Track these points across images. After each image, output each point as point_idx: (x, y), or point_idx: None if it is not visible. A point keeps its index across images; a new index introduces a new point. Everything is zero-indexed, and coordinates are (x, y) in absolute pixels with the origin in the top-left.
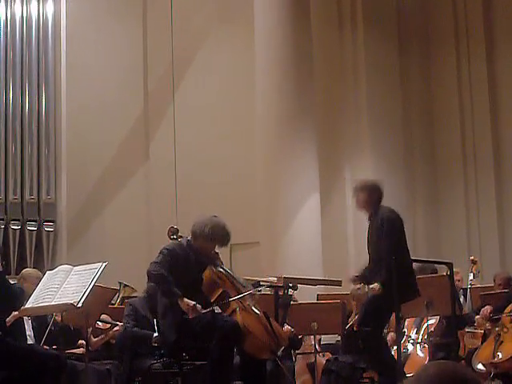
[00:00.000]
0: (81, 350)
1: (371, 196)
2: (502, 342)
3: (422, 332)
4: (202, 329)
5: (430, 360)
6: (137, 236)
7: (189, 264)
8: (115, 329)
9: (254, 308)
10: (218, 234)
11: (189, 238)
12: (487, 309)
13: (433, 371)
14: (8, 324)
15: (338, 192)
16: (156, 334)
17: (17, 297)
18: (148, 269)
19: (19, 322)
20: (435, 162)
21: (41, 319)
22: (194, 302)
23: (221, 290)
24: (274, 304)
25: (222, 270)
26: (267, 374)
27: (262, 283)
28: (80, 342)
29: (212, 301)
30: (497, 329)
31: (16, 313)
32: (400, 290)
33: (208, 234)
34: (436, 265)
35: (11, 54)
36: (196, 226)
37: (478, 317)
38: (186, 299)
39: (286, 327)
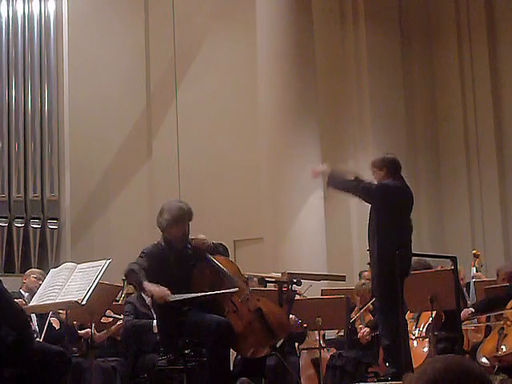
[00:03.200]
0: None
1: (388, 172)
2: (505, 335)
3: (421, 327)
4: (195, 328)
5: (430, 353)
6: (140, 233)
7: (168, 262)
8: (118, 323)
9: (245, 306)
10: (178, 213)
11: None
12: (467, 311)
13: (439, 365)
14: None
15: None
16: (156, 321)
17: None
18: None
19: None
20: (438, 157)
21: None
22: (157, 289)
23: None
24: (278, 300)
25: (212, 265)
26: (271, 370)
27: (266, 279)
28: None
29: (205, 302)
30: (501, 322)
31: None
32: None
33: (171, 219)
34: (440, 259)
35: (13, 52)
36: (157, 222)
37: (465, 310)
38: (147, 284)
39: (292, 317)
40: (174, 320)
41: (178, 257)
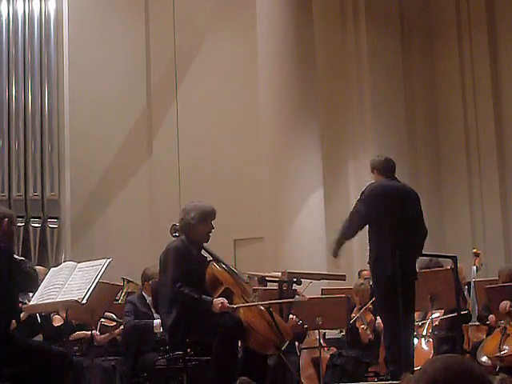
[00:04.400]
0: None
1: (381, 173)
2: (508, 335)
3: (426, 326)
4: (205, 324)
5: (434, 353)
6: (140, 232)
7: (192, 259)
8: (121, 327)
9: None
10: (206, 211)
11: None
12: (506, 303)
13: (439, 365)
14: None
15: (342, 187)
16: (157, 321)
17: (33, 279)
18: (172, 290)
19: (33, 318)
20: (439, 157)
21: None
22: (221, 299)
23: (223, 287)
24: (278, 299)
25: (224, 266)
26: (271, 369)
27: (266, 278)
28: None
29: (216, 297)
30: (503, 322)
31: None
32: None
33: (199, 217)
34: (440, 258)
35: (14, 52)
36: (183, 221)
37: (491, 316)
38: (214, 300)
39: (293, 318)
40: (191, 318)
41: (199, 254)
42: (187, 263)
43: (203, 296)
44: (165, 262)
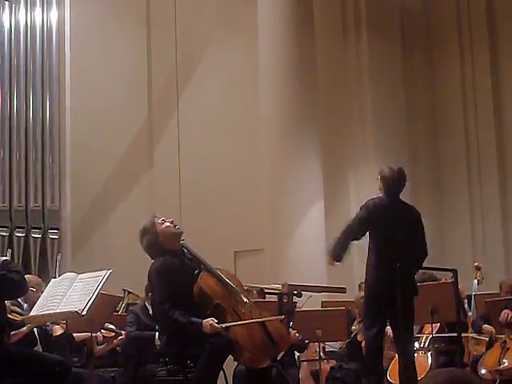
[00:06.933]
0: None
1: (382, 186)
2: (508, 349)
3: (423, 339)
4: (198, 342)
5: (432, 366)
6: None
7: (176, 273)
8: (120, 337)
9: (249, 316)
10: (150, 219)
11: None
12: (507, 313)
13: (442, 379)
14: (17, 338)
15: (343, 199)
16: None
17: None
18: (159, 313)
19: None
20: (439, 170)
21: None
22: (211, 320)
23: (214, 303)
24: (278, 311)
25: (214, 274)
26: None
27: (266, 290)
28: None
29: (207, 313)
30: (503, 335)
31: (25, 328)
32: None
33: (153, 224)
34: (441, 272)
35: (15, 62)
36: (152, 246)
37: (485, 325)
38: (204, 322)
39: (292, 332)
40: (184, 337)
41: (183, 265)
42: (172, 281)
43: (192, 319)
44: (150, 283)
